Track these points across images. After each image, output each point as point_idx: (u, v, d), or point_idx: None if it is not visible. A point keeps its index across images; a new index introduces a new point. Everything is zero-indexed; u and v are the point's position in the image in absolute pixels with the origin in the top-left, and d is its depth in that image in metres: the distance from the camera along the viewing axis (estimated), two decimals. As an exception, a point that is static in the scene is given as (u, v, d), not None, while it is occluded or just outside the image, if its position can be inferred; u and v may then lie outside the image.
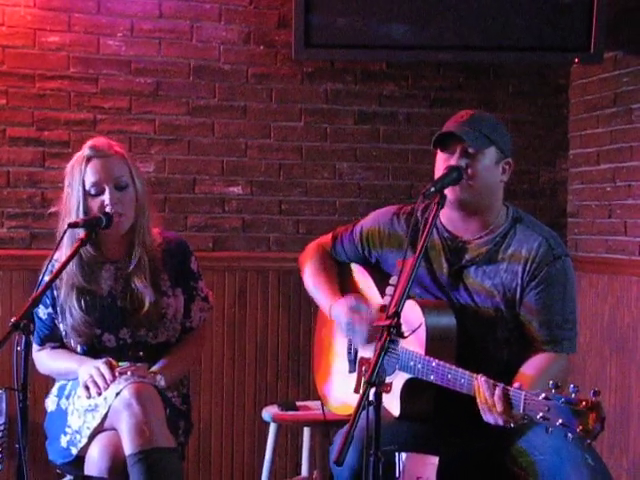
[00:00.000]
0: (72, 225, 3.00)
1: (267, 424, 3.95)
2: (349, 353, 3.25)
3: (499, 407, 2.53)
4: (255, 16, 4.54)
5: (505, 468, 2.88)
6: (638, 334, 4.33)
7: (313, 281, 3.32)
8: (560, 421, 2.36)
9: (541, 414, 2.40)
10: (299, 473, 4.16)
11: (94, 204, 3.11)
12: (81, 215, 3.09)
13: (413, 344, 2.83)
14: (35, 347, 3.20)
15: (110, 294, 3.20)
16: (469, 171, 2.88)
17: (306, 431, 3.89)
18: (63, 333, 3.22)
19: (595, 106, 4.73)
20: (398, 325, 2.43)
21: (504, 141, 3.00)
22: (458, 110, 4.86)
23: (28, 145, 4.29)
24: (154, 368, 3.17)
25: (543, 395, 2.41)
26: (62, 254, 3.06)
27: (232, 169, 4.56)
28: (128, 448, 2.87)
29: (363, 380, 2.37)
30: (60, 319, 3.20)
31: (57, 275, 2.86)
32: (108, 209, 3.09)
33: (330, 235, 3.39)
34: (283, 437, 4.34)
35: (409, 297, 2.70)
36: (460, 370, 2.69)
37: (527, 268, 2.89)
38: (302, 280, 3.42)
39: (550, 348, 2.85)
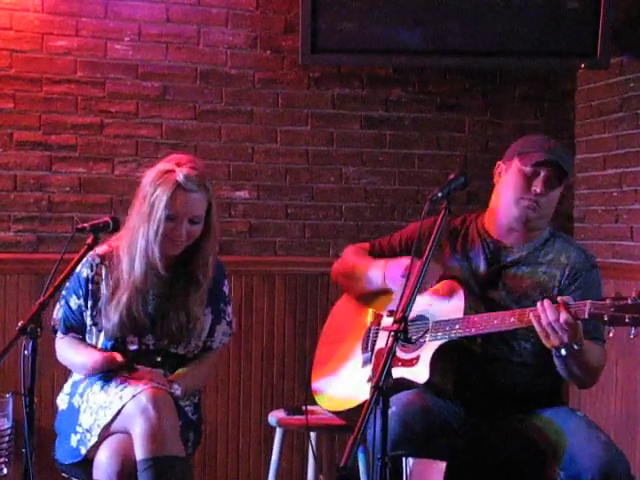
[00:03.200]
0: (79, 230, 2.99)
1: (273, 428, 3.95)
2: (364, 349, 3.28)
3: (563, 317, 2.69)
4: (262, 21, 4.54)
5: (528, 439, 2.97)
6: (644, 339, 4.33)
7: (355, 260, 3.40)
8: (629, 317, 2.56)
9: (609, 315, 2.60)
10: (305, 477, 4.16)
11: (167, 228, 3.12)
12: (159, 231, 3.10)
13: (448, 314, 2.98)
14: (59, 334, 3.27)
15: (148, 299, 3.22)
16: (546, 198, 3.06)
17: (312, 435, 3.89)
18: (88, 328, 3.24)
19: (601, 111, 4.73)
20: (405, 330, 2.44)
21: (571, 174, 3.21)
22: (464, 115, 4.89)
23: (35, 149, 4.30)
24: (171, 377, 3.18)
25: (609, 299, 2.62)
26: (119, 245, 3.18)
27: (238, 173, 4.56)
28: (140, 453, 2.88)
29: (370, 385, 2.37)
30: (91, 314, 3.21)
31: (65, 278, 2.84)
32: (180, 241, 3.14)
33: (367, 243, 3.50)
34: (289, 441, 4.34)
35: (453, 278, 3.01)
36: (507, 312, 2.86)
37: (566, 273, 3.07)
38: (337, 276, 3.48)
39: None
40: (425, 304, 3.07)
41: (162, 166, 3.18)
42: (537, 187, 3.03)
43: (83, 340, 3.27)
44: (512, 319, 2.83)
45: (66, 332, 3.27)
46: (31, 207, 4.30)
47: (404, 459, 2.44)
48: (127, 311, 3.17)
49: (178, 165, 3.16)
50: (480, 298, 3.07)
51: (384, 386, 2.29)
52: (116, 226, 3.05)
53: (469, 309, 2.98)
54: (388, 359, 2.35)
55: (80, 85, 4.34)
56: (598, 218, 4.75)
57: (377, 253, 3.41)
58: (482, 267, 3.14)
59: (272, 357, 4.58)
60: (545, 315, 2.72)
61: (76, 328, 3.26)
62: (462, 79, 4.80)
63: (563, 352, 2.75)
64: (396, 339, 2.42)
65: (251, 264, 4.57)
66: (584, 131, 4.88)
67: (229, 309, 3.40)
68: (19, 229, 4.29)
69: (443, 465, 2.41)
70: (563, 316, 2.69)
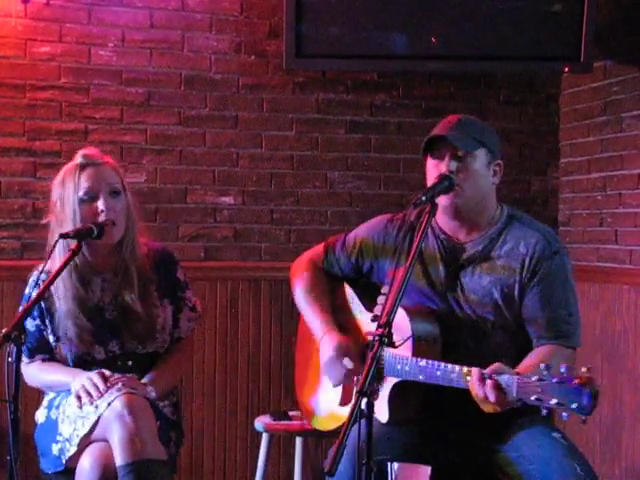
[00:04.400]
0: (63, 236, 2.99)
1: (259, 434, 3.94)
2: None
3: (492, 397, 2.54)
4: (246, 26, 4.54)
5: (493, 478, 2.88)
6: (629, 342, 4.34)
7: (305, 299, 3.26)
8: (554, 401, 2.37)
9: (535, 396, 2.41)
10: (291, 483, 4.16)
11: (87, 211, 3.11)
12: (78, 223, 3.09)
13: (400, 348, 2.83)
14: (24, 360, 3.15)
15: (98, 307, 3.20)
16: (460, 175, 2.88)
17: (298, 440, 3.89)
18: (53, 344, 3.21)
19: (585, 115, 4.75)
20: (389, 335, 2.43)
21: (493, 142, 3.00)
22: (449, 119, 4.86)
23: (19, 155, 4.29)
24: (144, 380, 3.17)
25: (536, 377, 2.42)
26: (53, 265, 3.04)
27: (223, 179, 4.56)
28: (119, 459, 2.87)
29: (355, 390, 2.37)
30: (51, 331, 3.18)
31: (48, 285, 2.84)
32: (103, 216, 3.09)
33: (321, 246, 3.35)
34: (275, 446, 4.33)
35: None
36: (449, 365, 2.70)
37: (526, 265, 2.89)
38: (292, 293, 3.37)
39: (559, 343, 2.85)
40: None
41: (63, 168, 3.23)
42: (444, 167, 2.88)
43: (52, 359, 3.23)
44: (453, 375, 2.68)
45: (31, 356, 3.22)
46: (15, 214, 4.29)
47: (389, 464, 2.44)
48: (74, 323, 3.15)
49: (76, 155, 3.21)
50: (440, 307, 2.96)
51: (368, 391, 2.29)
52: (100, 232, 3.04)
53: (418, 341, 2.84)
54: (373, 364, 2.35)
55: (64, 91, 4.33)
56: (582, 222, 4.76)
57: (331, 262, 3.28)
58: (440, 269, 2.99)
59: (258, 363, 4.57)
60: (474, 388, 2.60)
61: (40, 348, 3.22)
62: (447, 84, 4.81)
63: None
64: (381, 343, 2.42)
65: (236, 269, 4.56)
66: (568, 135, 4.90)
67: (188, 294, 3.37)
68: (3, 236, 4.28)
69: (428, 469, 2.41)
70: (491, 396, 2.55)
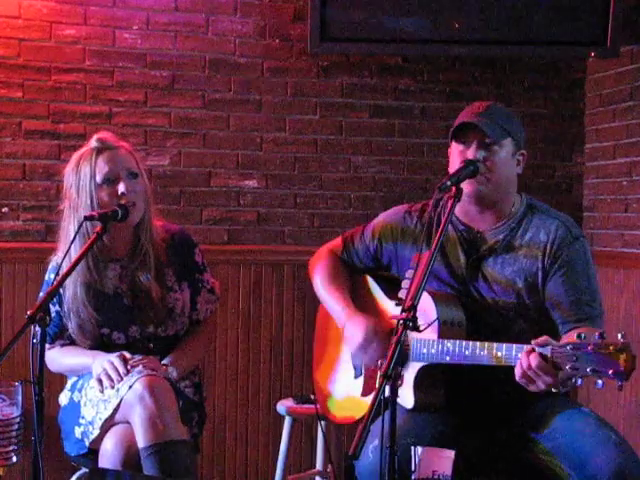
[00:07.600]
0: (88, 218, 2.99)
1: (282, 417, 3.95)
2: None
3: (534, 362, 2.52)
4: (271, 9, 4.53)
5: (526, 456, 2.86)
6: (654, 329, 4.33)
7: (325, 287, 3.26)
8: (590, 368, 2.37)
9: (569, 365, 2.42)
10: (313, 466, 4.16)
11: (106, 194, 3.11)
12: (95, 208, 3.08)
13: (425, 332, 2.83)
14: (46, 346, 3.18)
15: (116, 293, 3.21)
16: (487, 163, 2.87)
17: (320, 424, 3.89)
18: (71, 330, 3.23)
19: (611, 100, 4.71)
20: (414, 318, 2.42)
21: (519, 132, 3.00)
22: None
23: (44, 138, 4.30)
24: (165, 361, 3.19)
25: (570, 346, 2.43)
26: (73, 249, 3.03)
27: (247, 162, 4.56)
28: (141, 441, 2.89)
29: (379, 374, 2.36)
30: (67, 317, 3.21)
31: (72, 269, 2.84)
32: (124, 198, 3.09)
33: (340, 238, 3.35)
34: (298, 430, 4.34)
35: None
36: (478, 343, 2.70)
37: (547, 252, 2.89)
38: (312, 283, 3.36)
39: (585, 325, 2.82)
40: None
41: (75, 154, 3.22)
42: (470, 155, 2.86)
43: (72, 343, 3.26)
44: (482, 352, 2.68)
45: (52, 342, 3.24)
46: (40, 196, 4.31)
47: (413, 447, 2.43)
48: (78, 311, 3.16)
49: (90, 140, 3.20)
50: (461, 295, 2.95)
51: (393, 374, 2.28)
52: (125, 214, 3.04)
53: (444, 325, 2.83)
54: (397, 347, 2.35)
55: (89, 74, 4.34)
56: (607, 207, 4.74)
57: (351, 253, 3.28)
58: (461, 259, 2.98)
59: (281, 346, 4.58)
60: (523, 361, 2.56)
61: (60, 334, 3.25)
62: (471, 68, 4.79)
63: (554, 390, 2.60)
64: (405, 327, 2.42)
65: (260, 253, 4.56)
66: (594, 120, 4.87)
67: (206, 276, 3.37)
68: (27, 218, 4.30)
69: (452, 453, 2.40)
70: (534, 361, 2.52)
